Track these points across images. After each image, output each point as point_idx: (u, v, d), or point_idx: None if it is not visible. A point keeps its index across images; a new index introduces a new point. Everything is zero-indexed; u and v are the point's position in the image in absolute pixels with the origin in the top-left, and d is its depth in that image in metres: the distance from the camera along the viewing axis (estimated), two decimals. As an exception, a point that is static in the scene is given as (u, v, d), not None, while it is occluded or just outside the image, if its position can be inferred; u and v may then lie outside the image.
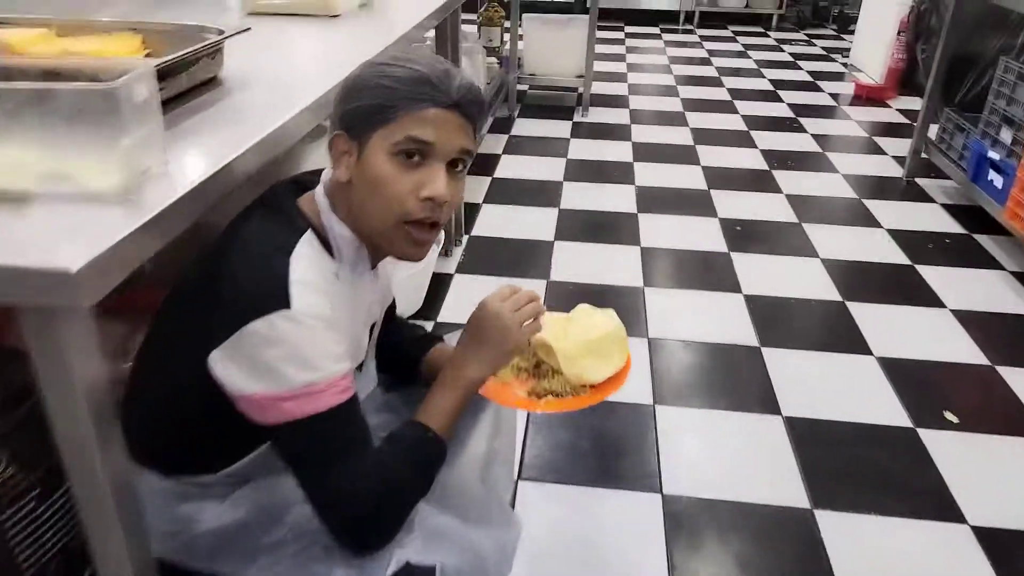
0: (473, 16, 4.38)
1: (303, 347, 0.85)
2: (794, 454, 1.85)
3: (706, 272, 2.71)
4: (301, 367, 0.86)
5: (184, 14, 1.83)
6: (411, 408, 1.05)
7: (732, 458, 1.85)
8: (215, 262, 0.92)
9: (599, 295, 2.53)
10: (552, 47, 4.34)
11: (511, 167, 3.65)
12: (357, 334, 1.05)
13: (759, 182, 3.54)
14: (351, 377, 0.93)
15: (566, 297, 2.52)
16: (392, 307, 1.29)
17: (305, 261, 0.90)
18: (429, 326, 2.32)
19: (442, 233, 2.21)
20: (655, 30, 7.07)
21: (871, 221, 3.15)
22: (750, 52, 6.22)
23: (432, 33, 2.48)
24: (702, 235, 2.99)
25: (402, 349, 1.28)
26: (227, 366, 0.87)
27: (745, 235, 2.99)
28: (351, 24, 1.85)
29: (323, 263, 0.94)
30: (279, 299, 0.85)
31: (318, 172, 1.02)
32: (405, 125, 0.90)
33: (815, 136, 4.17)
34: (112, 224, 0.77)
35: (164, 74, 1.09)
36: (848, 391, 2.10)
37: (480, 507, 1.14)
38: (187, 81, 1.18)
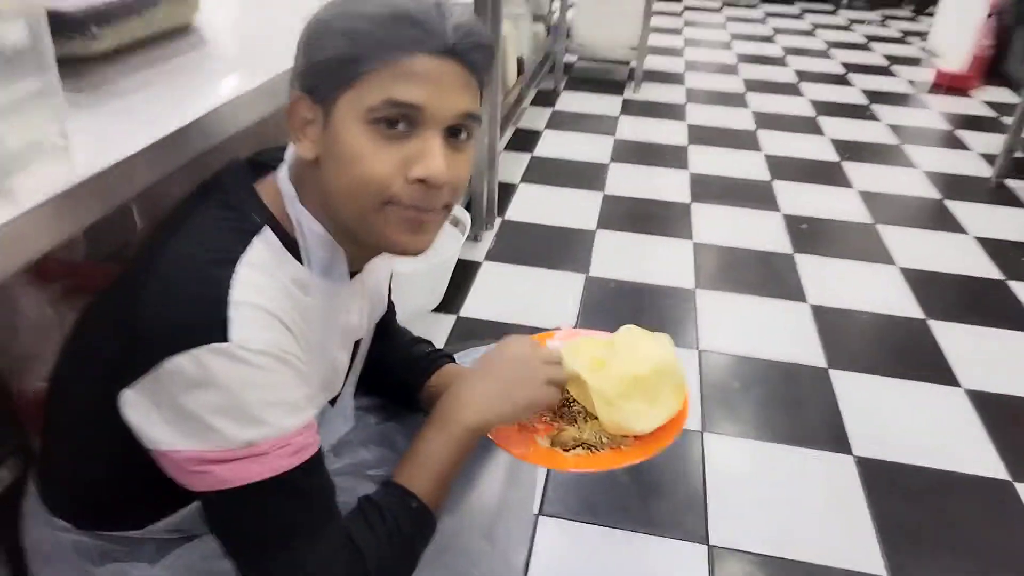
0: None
1: (243, 393, 0.62)
2: (867, 505, 1.57)
3: (767, 275, 2.40)
4: (239, 420, 0.62)
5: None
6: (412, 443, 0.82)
7: (793, 505, 1.57)
8: (138, 274, 0.68)
9: (644, 295, 2.25)
10: (605, 16, 4.01)
11: (553, 144, 3.35)
12: (332, 359, 0.81)
13: (827, 175, 3.19)
14: (312, 430, 0.69)
15: (606, 296, 2.24)
16: (389, 314, 1.03)
17: (257, 272, 0.66)
18: (451, 321, 2.07)
19: (467, 216, 1.94)
20: (716, 3, 6.64)
21: (955, 226, 2.79)
22: (818, 31, 5.79)
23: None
24: (762, 232, 2.67)
25: (401, 369, 1.03)
26: (142, 411, 0.64)
27: (811, 234, 2.67)
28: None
29: (283, 272, 0.70)
30: (213, 327, 0.61)
31: (283, 148, 0.77)
32: (382, 83, 0.65)
33: (890, 126, 3.78)
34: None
35: (104, 18, 0.85)
36: (932, 430, 1.79)
37: (483, 573, 0.92)
38: (143, 28, 0.93)
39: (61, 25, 0.82)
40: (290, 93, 0.70)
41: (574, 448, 0.88)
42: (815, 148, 3.46)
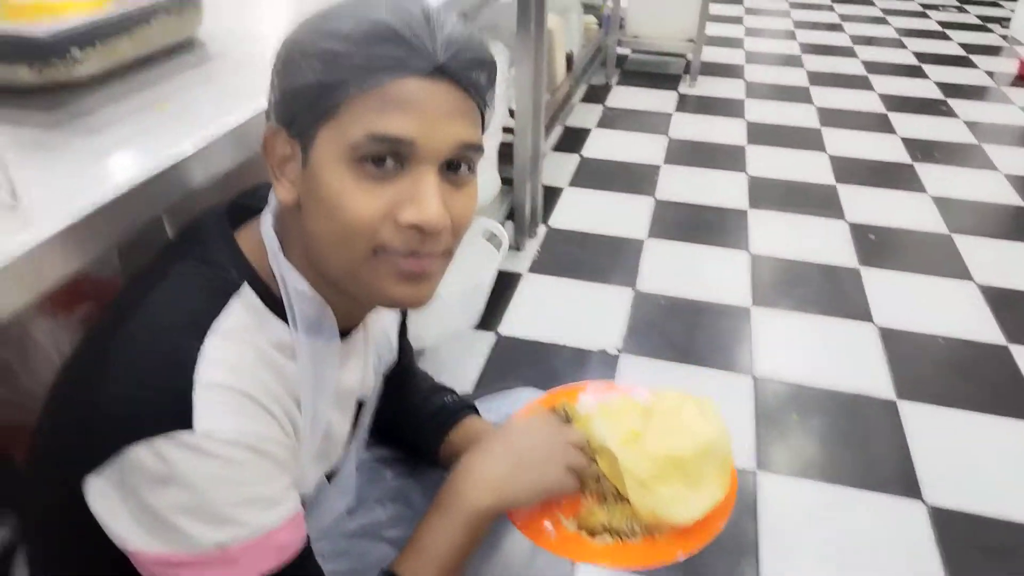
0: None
1: (211, 491, 0.54)
2: (941, 563, 1.41)
3: (829, 291, 2.23)
4: (208, 521, 0.55)
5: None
6: (431, 501, 0.74)
7: (856, 559, 1.42)
8: (103, 342, 0.59)
9: (695, 313, 2.10)
10: (659, 6, 3.82)
11: (603, 144, 3.21)
12: (326, 428, 0.71)
13: (898, 177, 2.97)
14: (295, 524, 0.60)
15: (655, 314, 2.10)
16: (406, 359, 0.94)
17: (230, 342, 0.57)
18: (490, 339, 1.96)
19: (503, 232, 1.82)
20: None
21: (1042, 237, 2.56)
22: (889, 18, 5.46)
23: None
24: (825, 242, 2.49)
25: (419, 422, 0.94)
26: (108, 503, 0.56)
27: (879, 245, 2.47)
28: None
29: (263, 336, 0.61)
30: (175, 414, 0.53)
31: (269, 187, 0.67)
32: (364, 114, 0.55)
33: (968, 124, 3.51)
34: None
35: (86, 40, 0.76)
36: (1017, 475, 1.61)
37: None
38: (135, 48, 0.84)
39: (35, 50, 0.73)
40: (266, 126, 0.61)
41: (601, 534, 0.77)
42: (885, 148, 3.23)
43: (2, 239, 0.54)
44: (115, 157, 0.69)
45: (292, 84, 0.57)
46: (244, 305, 0.60)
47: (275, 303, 0.63)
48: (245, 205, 0.68)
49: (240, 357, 0.58)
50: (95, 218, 0.60)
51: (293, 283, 0.62)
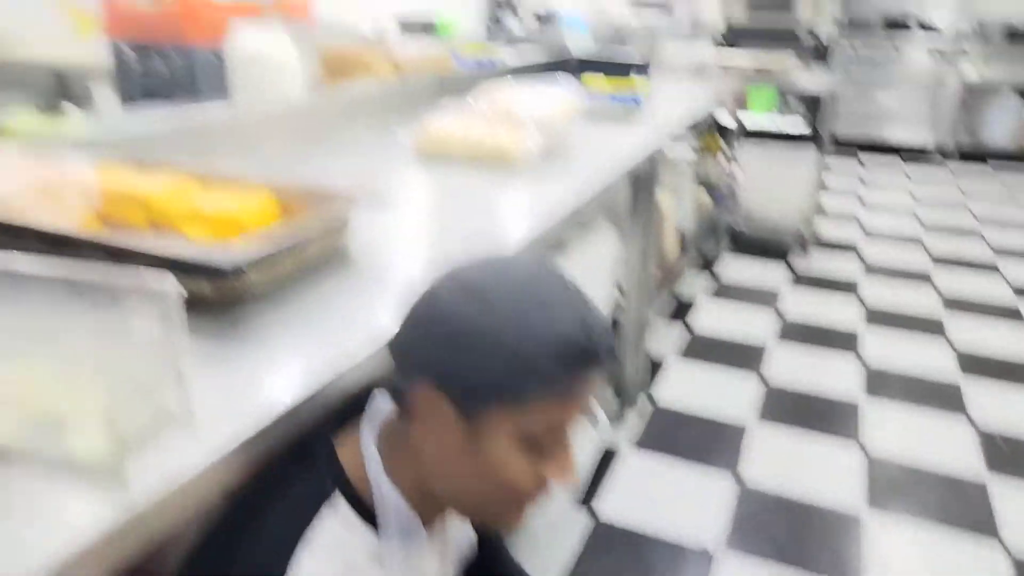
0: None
1: None
2: None
3: (952, 503, 2.07)
4: None
5: (354, 150, 1.71)
6: None
7: None
8: (217, 544, 0.69)
9: (802, 515, 2.00)
10: (774, 180, 3.91)
11: (712, 317, 3.21)
12: None
13: (1031, 376, 2.80)
14: None
15: (760, 510, 2.01)
16: (496, 547, 0.98)
17: (319, 562, 0.64)
18: (585, 520, 1.93)
19: (601, 414, 1.84)
20: (897, 159, 6.34)
21: None
22: (1020, 195, 5.30)
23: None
24: (948, 446, 2.34)
25: None
26: None
27: (1011, 455, 2.30)
28: (536, 175, 1.60)
29: (355, 548, 0.68)
30: None
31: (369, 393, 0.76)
32: (542, 410, 0.65)
33: (1112, 319, 3.30)
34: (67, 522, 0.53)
35: (256, 263, 0.88)
36: None
37: None
38: (294, 264, 0.96)
39: (216, 273, 0.86)
40: (400, 368, 0.68)
41: None
42: (1017, 342, 3.06)
43: (178, 456, 0.61)
44: (277, 370, 0.77)
45: (470, 368, 0.62)
46: (336, 517, 0.67)
47: (366, 511, 0.69)
48: (353, 409, 0.76)
49: (334, 565, 0.65)
50: (260, 435, 0.66)
51: (392, 499, 0.69)
